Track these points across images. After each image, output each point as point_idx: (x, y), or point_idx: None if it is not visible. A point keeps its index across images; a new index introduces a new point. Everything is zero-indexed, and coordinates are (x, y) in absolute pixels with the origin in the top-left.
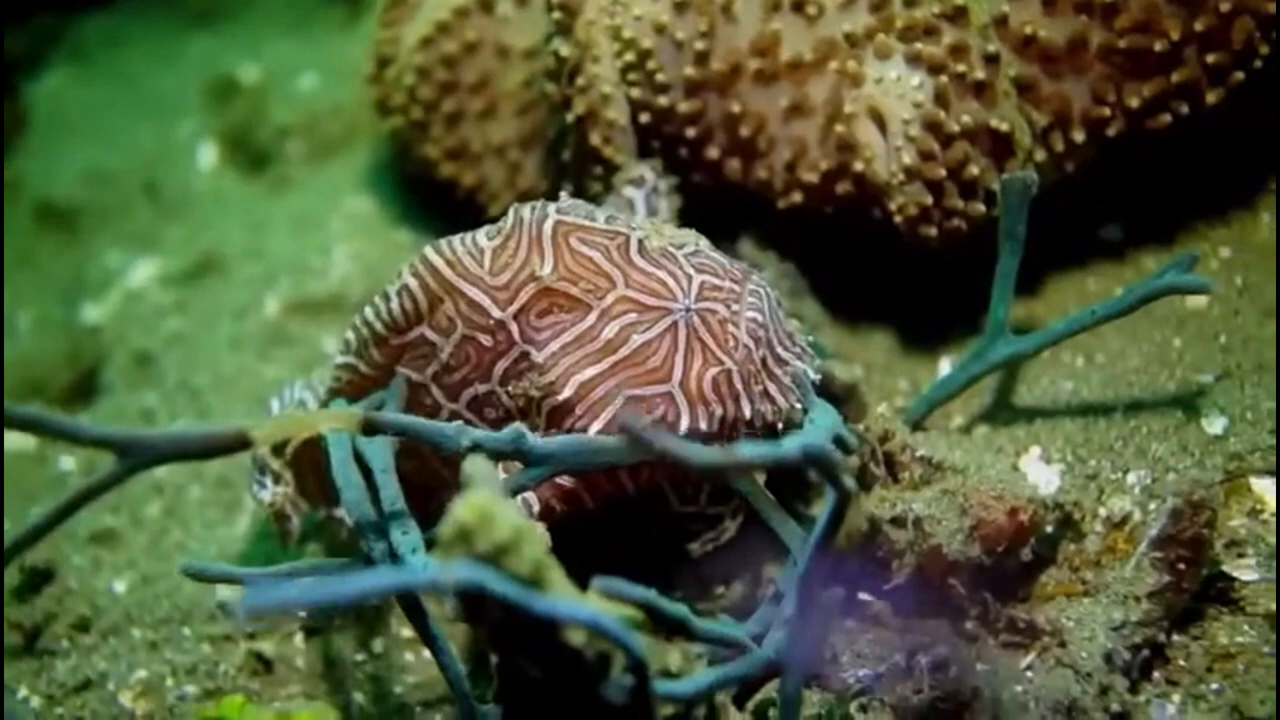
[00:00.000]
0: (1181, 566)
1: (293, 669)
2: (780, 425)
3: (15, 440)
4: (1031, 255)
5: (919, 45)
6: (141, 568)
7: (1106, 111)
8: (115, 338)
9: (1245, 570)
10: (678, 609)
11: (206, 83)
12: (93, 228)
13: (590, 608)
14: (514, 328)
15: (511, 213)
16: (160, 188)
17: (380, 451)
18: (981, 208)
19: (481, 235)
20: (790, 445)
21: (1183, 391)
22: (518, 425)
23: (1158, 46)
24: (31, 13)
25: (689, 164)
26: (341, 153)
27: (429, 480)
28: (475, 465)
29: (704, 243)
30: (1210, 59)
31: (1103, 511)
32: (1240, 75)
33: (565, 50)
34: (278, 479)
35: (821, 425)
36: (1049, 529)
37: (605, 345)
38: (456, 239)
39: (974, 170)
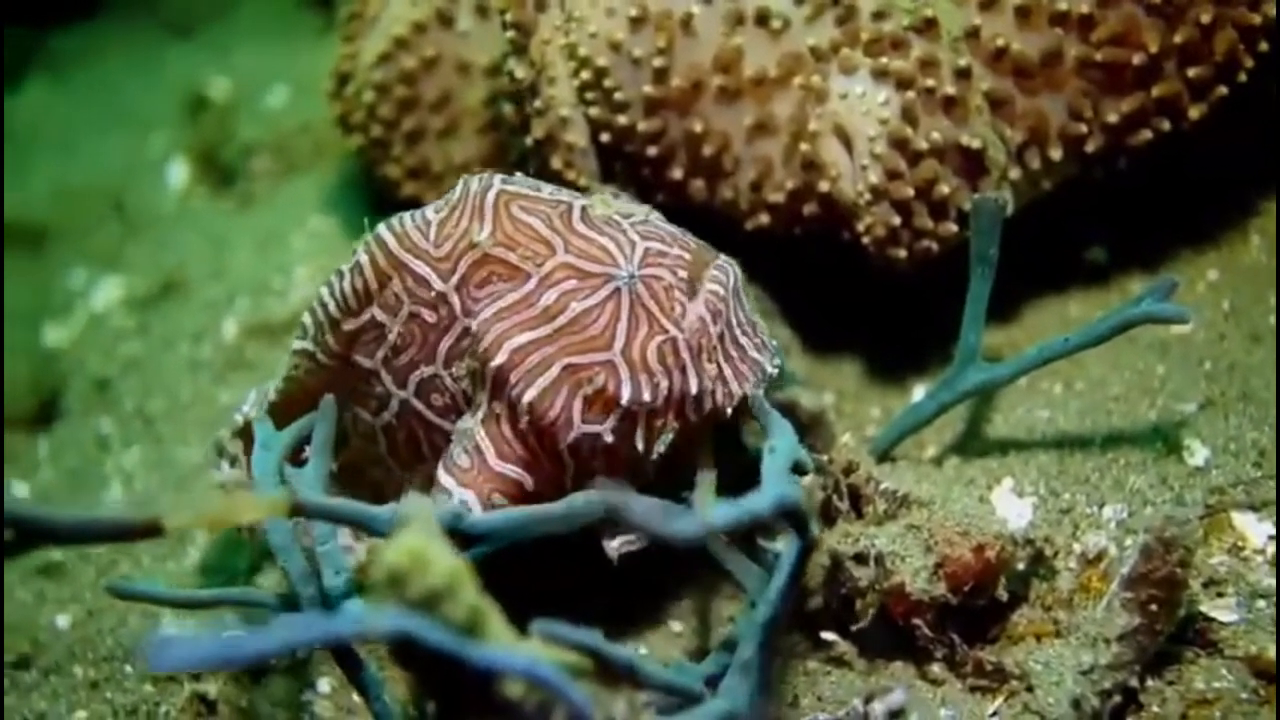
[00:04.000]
0: (1154, 607)
1: (237, 711)
2: (729, 411)
3: None
4: (1010, 278)
5: (885, 59)
6: (87, 602)
7: (1084, 128)
8: (76, 361)
9: (1224, 611)
10: (624, 654)
11: (179, 97)
12: (60, 246)
13: (528, 656)
14: (455, 300)
15: (460, 184)
16: (129, 205)
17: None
18: (953, 228)
19: (430, 209)
20: (761, 500)
21: (1164, 421)
22: (455, 505)
23: (1136, 60)
24: (9, 23)
25: (652, 185)
26: (308, 170)
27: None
28: (410, 504)
29: (656, 215)
30: (1191, 73)
31: (1077, 547)
32: (1223, 90)
33: (520, 72)
34: (234, 462)
35: (782, 454)
36: (1020, 566)
37: (543, 312)
38: (408, 214)
39: (944, 189)
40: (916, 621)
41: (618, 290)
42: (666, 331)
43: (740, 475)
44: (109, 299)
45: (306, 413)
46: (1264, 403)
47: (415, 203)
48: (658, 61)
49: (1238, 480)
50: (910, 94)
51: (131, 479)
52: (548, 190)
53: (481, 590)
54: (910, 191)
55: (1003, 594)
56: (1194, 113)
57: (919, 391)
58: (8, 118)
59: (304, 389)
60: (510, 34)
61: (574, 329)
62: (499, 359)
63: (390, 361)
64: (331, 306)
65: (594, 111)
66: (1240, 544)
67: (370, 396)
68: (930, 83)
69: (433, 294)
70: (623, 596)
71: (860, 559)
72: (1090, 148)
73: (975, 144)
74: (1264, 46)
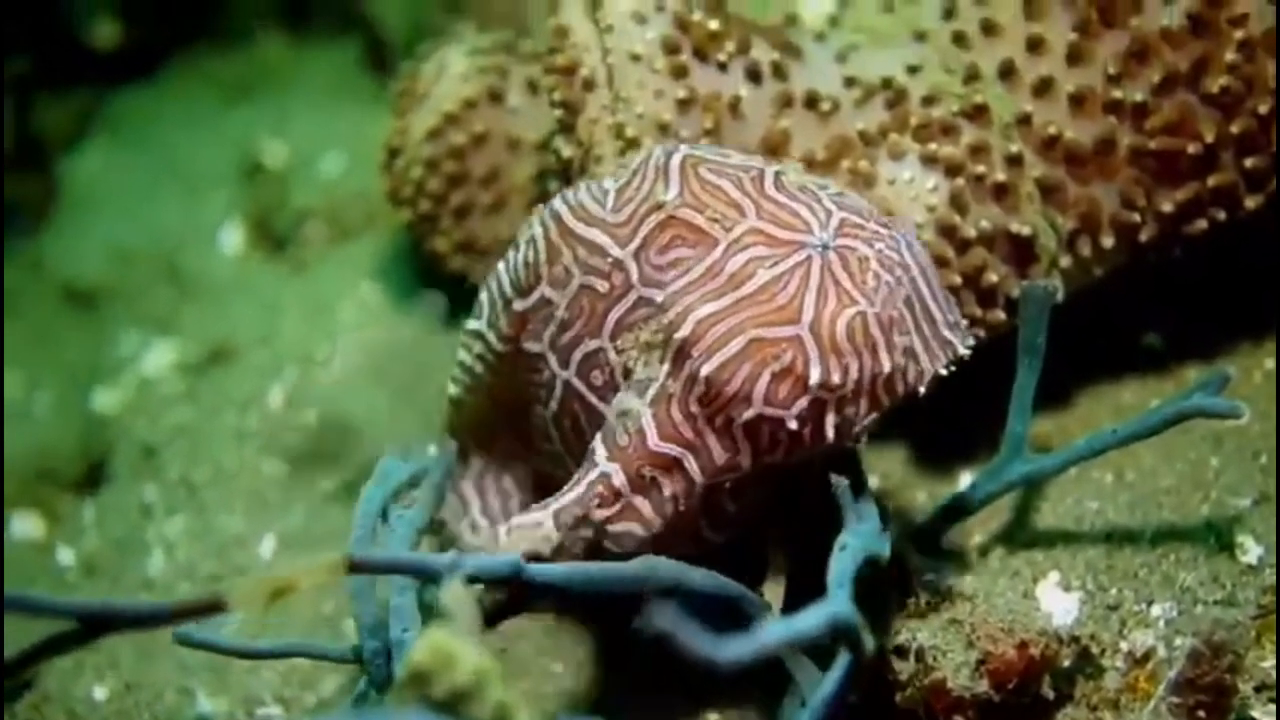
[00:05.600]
0: (1202, 714)
1: None
2: (921, 391)
3: (20, 527)
4: (1064, 362)
5: (935, 145)
6: (124, 672)
7: (1137, 217)
8: (125, 426)
9: (1276, 716)
10: None
11: (235, 161)
12: (114, 308)
13: None
14: (632, 268)
15: (641, 151)
16: (182, 269)
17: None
18: (1002, 315)
19: (608, 179)
20: (812, 619)
21: (1217, 515)
22: (514, 556)
23: (1191, 149)
24: (71, 84)
25: None
26: (360, 238)
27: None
28: (452, 594)
29: (851, 193)
30: (1248, 163)
31: (1124, 646)
32: None
33: (568, 150)
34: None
35: (850, 555)
36: (1065, 663)
37: (729, 279)
38: (584, 185)
39: (992, 277)
40: (958, 719)
41: (809, 258)
42: (856, 304)
43: None
44: (159, 364)
45: (484, 411)
46: None
47: (462, 277)
48: (705, 143)
49: None
50: (959, 180)
51: (174, 548)
52: (736, 156)
53: (508, 687)
54: (958, 279)
55: (1048, 692)
56: (1250, 203)
57: (966, 479)
58: (67, 179)
59: (479, 382)
60: (558, 112)
61: (760, 297)
62: (684, 331)
63: (556, 340)
64: (505, 283)
65: None
66: None
67: (539, 386)
68: (980, 169)
69: (608, 261)
70: (659, 676)
71: (901, 652)
72: (1144, 236)
73: (1025, 231)
74: None
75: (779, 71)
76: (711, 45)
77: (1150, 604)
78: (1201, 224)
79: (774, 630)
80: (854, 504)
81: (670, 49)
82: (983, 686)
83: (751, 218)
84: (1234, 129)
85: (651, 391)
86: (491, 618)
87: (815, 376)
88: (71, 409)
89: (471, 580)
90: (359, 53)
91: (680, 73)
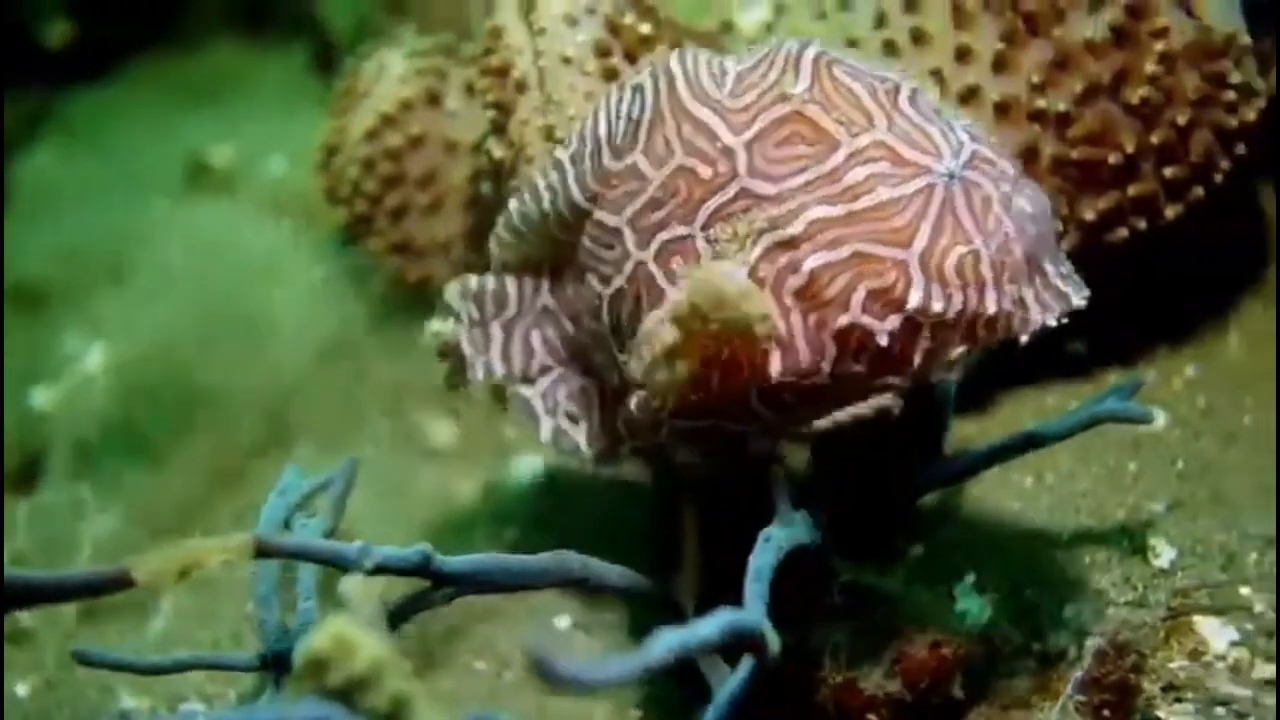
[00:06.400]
0: (1107, 713)
1: None
2: (1024, 339)
3: None
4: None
5: None
6: (48, 670)
7: (1059, 225)
8: (62, 424)
9: (1182, 717)
10: None
11: (184, 163)
12: (58, 309)
13: None
14: (741, 157)
15: (770, 41)
16: (125, 270)
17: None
18: None
19: (730, 59)
20: (709, 627)
21: (1132, 520)
22: (423, 546)
23: (1112, 159)
24: (23, 84)
25: None
26: (297, 240)
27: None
28: (351, 587)
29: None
30: (1168, 173)
31: (1037, 646)
32: (1200, 191)
33: (499, 151)
34: (458, 319)
35: (771, 550)
36: (978, 664)
37: (846, 190)
38: (703, 56)
39: None
40: (871, 718)
41: (932, 187)
42: (971, 243)
43: None
44: (99, 362)
45: (530, 257)
46: (1234, 505)
47: (400, 278)
48: None
49: (1202, 584)
50: None
51: (103, 547)
52: (869, 65)
53: (410, 676)
54: None
55: (959, 693)
56: (1170, 212)
57: None
58: (18, 179)
59: (541, 221)
60: (490, 114)
61: (876, 215)
62: (794, 229)
63: (639, 218)
64: (603, 127)
65: None
66: (1201, 649)
67: (604, 261)
68: None
69: (717, 146)
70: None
71: (816, 652)
72: (1066, 245)
73: None
74: (1241, 150)
75: None
76: (643, 49)
77: (1063, 606)
78: (1123, 232)
79: (665, 641)
80: (782, 499)
81: (601, 52)
82: (895, 686)
83: (881, 129)
84: (1154, 139)
85: (743, 270)
86: (399, 613)
87: (915, 301)
88: (10, 407)
89: (379, 570)
90: (309, 56)
91: (611, 75)
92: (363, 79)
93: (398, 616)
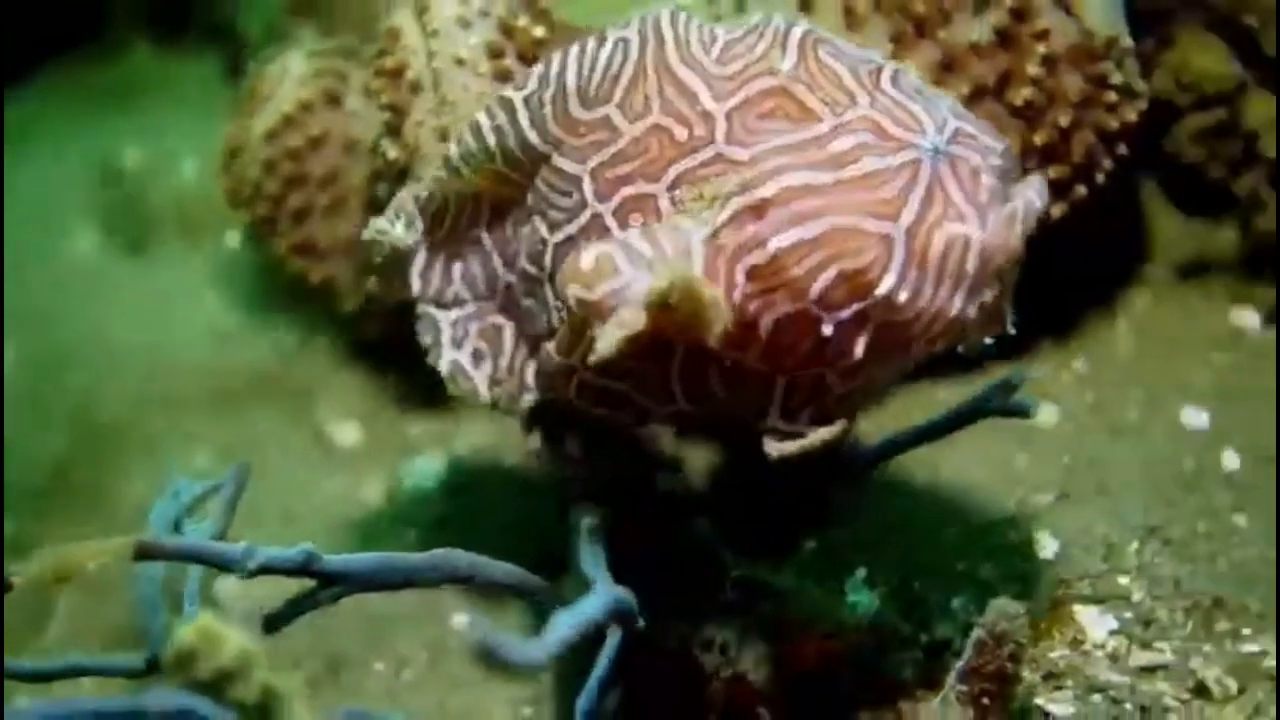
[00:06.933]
0: (986, 701)
1: None
2: (959, 349)
3: None
4: None
5: None
6: None
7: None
8: None
9: (1061, 704)
10: None
11: (98, 166)
12: None
13: None
14: (721, 125)
15: (758, 16)
16: (34, 271)
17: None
18: None
19: (719, 27)
20: (596, 603)
21: (1020, 512)
22: (307, 546)
23: None
24: None
25: None
26: (208, 241)
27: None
28: (226, 588)
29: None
30: (1051, 173)
31: (924, 638)
32: (1083, 190)
33: (393, 152)
34: (410, 225)
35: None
36: (866, 656)
37: (832, 157)
38: (695, 20)
39: None
40: (761, 711)
41: (918, 161)
42: (963, 221)
43: None
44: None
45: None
46: (1117, 496)
47: (302, 278)
48: None
49: (1084, 574)
50: None
51: None
52: (854, 47)
53: (277, 670)
54: None
55: (846, 685)
56: (1055, 210)
57: None
58: None
59: (484, 159)
60: (385, 114)
61: (863, 184)
62: (765, 191)
63: (602, 171)
64: (571, 74)
65: None
66: (1080, 638)
67: (556, 207)
68: None
69: (697, 110)
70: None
71: (707, 646)
72: None
73: None
74: (1123, 150)
75: None
76: (537, 50)
77: (951, 598)
78: None
79: (563, 621)
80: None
81: (494, 54)
82: (784, 679)
83: (864, 106)
84: (1038, 140)
85: (704, 231)
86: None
87: (887, 285)
88: None
89: (263, 570)
90: (225, 62)
91: (505, 77)
92: (265, 81)
93: (283, 617)
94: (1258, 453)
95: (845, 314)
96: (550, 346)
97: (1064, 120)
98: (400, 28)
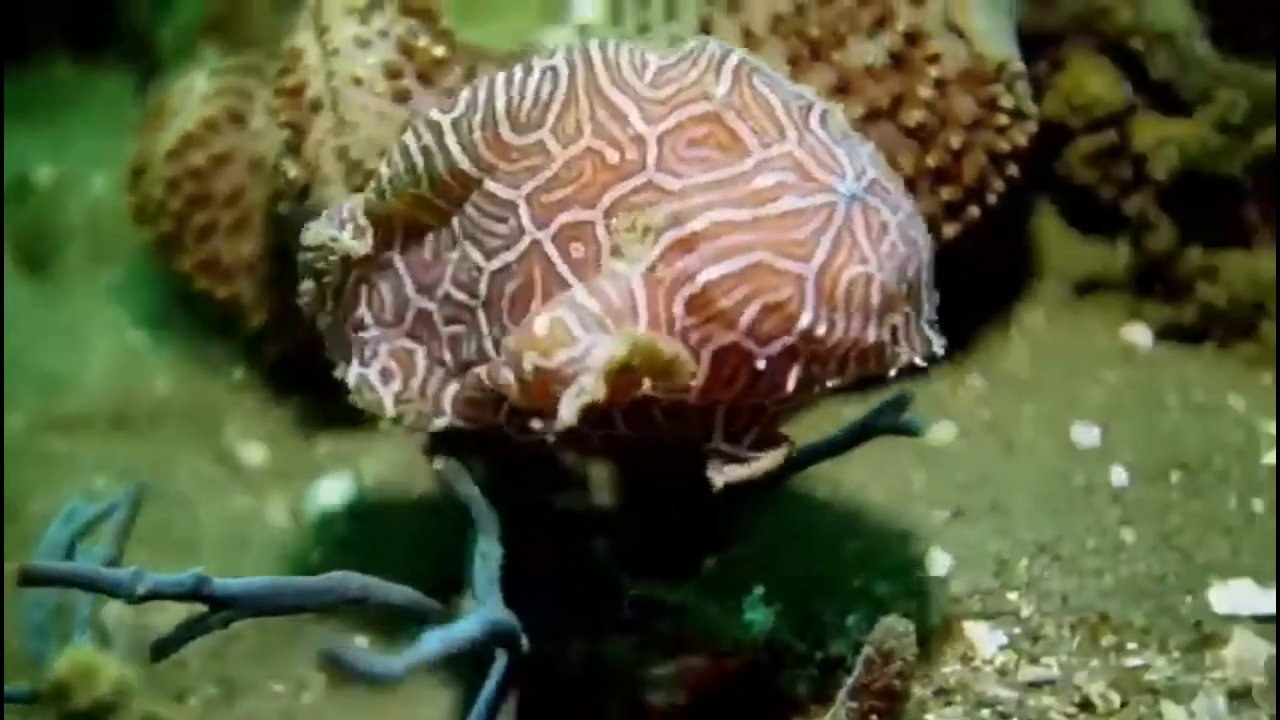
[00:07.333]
0: (875, 718)
1: None
2: (891, 372)
3: None
4: None
5: None
6: None
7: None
8: None
9: None
10: None
11: (6, 182)
12: None
13: None
14: (653, 149)
15: (694, 40)
16: None
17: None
18: None
19: (651, 52)
20: (470, 626)
21: (915, 529)
22: (197, 570)
23: None
24: None
25: None
26: (116, 258)
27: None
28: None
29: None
30: (945, 194)
31: (819, 655)
32: (975, 211)
33: (293, 171)
34: (360, 234)
35: (493, 561)
36: (762, 674)
37: (754, 194)
38: (626, 45)
39: None
40: None
41: (834, 205)
42: (866, 263)
43: None
44: None
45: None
46: (1010, 513)
47: (208, 296)
48: None
49: (975, 590)
50: None
51: None
52: (786, 80)
53: (156, 700)
54: None
55: (742, 702)
56: (948, 230)
57: None
58: None
59: (411, 180)
60: (285, 133)
61: (780, 224)
62: (696, 225)
63: (538, 196)
64: (501, 101)
65: None
66: (970, 653)
67: (491, 234)
68: None
69: (629, 133)
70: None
71: (604, 665)
72: None
73: None
74: (1014, 171)
75: None
76: (436, 70)
77: (846, 615)
78: None
79: (431, 640)
80: (479, 509)
81: (392, 73)
82: (680, 698)
83: (791, 143)
84: (930, 161)
85: (640, 268)
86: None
87: (805, 321)
88: None
89: (152, 595)
90: (140, 77)
91: (403, 97)
92: (169, 99)
93: (172, 643)
94: (1145, 469)
95: (775, 348)
96: (482, 372)
97: (956, 142)
98: (300, 47)
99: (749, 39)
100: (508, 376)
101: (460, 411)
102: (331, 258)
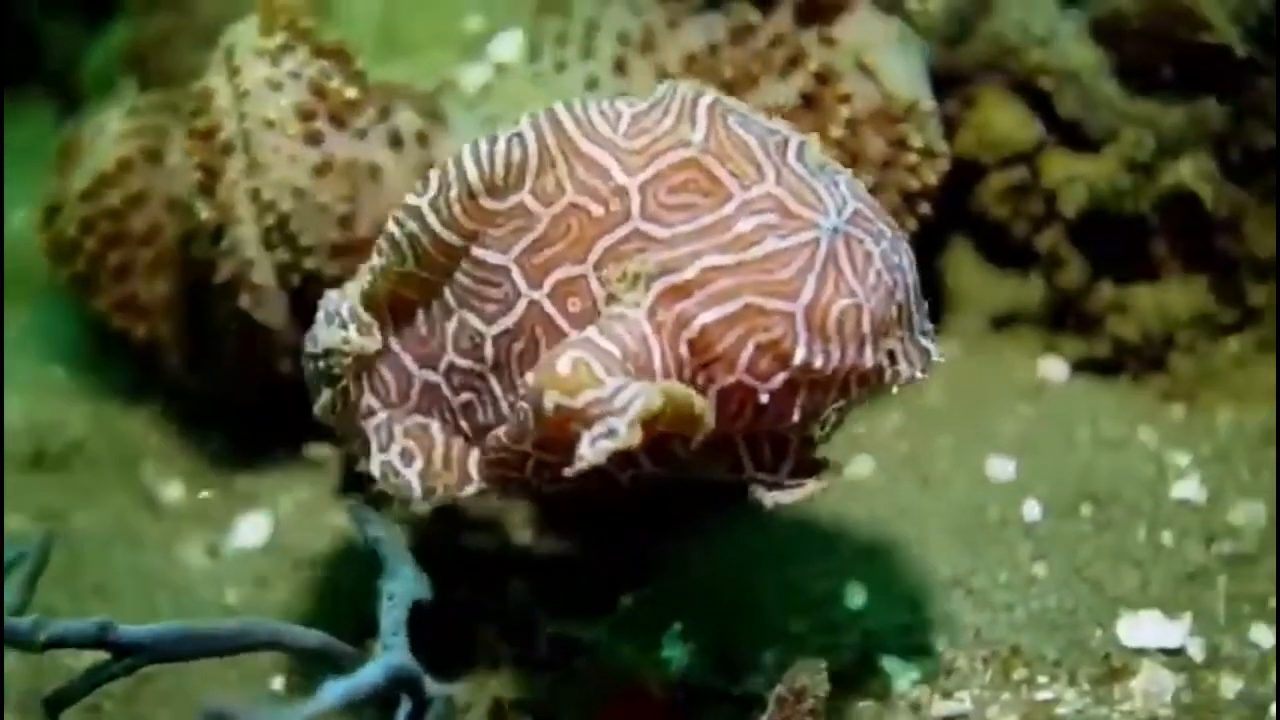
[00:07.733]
0: None
1: None
2: (894, 389)
3: None
4: None
5: None
6: None
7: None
8: None
9: None
10: None
11: None
12: None
13: None
14: (635, 199)
15: (663, 85)
16: None
17: None
18: None
19: (621, 101)
20: (373, 672)
21: (832, 564)
22: (103, 618)
23: None
24: None
25: None
26: (33, 296)
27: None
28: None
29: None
30: None
31: (736, 692)
32: None
33: (206, 212)
34: (366, 330)
35: (401, 604)
36: (678, 711)
37: (737, 239)
38: (592, 101)
39: None
40: None
41: (817, 240)
42: (854, 295)
43: None
44: None
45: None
46: (925, 547)
47: (125, 335)
48: (342, 208)
49: (890, 624)
50: None
51: None
52: (760, 116)
53: None
54: None
55: None
56: None
57: None
58: None
59: (400, 262)
60: (197, 175)
61: (764, 266)
62: (688, 274)
63: (528, 257)
64: (472, 172)
65: (280, 255)
66: (883, 689)
67: (487, 299)
68: None
69: (610, 185)
70: None
71: (522, 706)
72: None
73: None
74: (926, 209)
75: (423, 139)
76: (349, 112)
77: (764, 652)
78: None
79: (333, 689)
80: (387, 550)
81: (305, 115)
82: None
83: (770, 182)
84: None
85: (642, 310)
86: (77, 688)
87: (799, 357)
88: None
89: (55, 643)
90: (61, 112)
91: (315, 139)
92: (82, 137)
93: (73, 694)
94: (1058, 503)
95: (775, 383)
96: (502, 433)
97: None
98: (213, 88)
99: (663, 79)
100: (527, 412)
101: (487, 475)
102: (345, 361)
